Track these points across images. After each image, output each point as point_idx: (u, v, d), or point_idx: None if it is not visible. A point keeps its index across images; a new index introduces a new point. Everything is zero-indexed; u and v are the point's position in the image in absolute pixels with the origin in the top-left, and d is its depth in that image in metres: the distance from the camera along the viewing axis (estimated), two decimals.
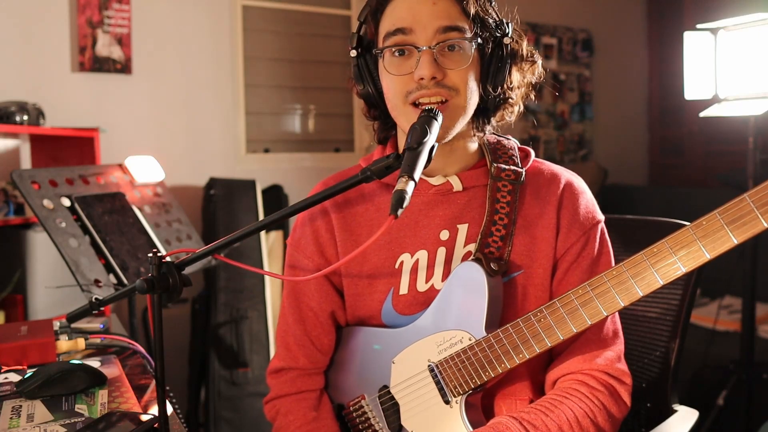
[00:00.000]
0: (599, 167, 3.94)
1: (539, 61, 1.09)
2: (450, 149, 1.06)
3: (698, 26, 2.32)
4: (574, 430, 0.96)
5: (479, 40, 1.00)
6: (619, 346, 1.05)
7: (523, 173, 1.07)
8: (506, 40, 1.03)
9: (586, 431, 0.97)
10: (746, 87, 2.24)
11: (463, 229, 1.06)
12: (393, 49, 0.99)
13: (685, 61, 2.39)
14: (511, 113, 1.10)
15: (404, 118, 1.02)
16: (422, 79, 0.96)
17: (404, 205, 0.78)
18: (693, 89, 2.39)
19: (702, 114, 2.31)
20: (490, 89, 1.03)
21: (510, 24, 1.04)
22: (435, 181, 1.07)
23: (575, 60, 4.21)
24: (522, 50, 1.06)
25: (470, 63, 0.99)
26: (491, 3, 1.04)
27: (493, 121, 1.10)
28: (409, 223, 1.08)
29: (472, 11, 0.99)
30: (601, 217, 1.09)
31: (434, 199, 1.07)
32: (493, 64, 1.03)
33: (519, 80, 1.07)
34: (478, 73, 1.02)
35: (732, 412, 2.31)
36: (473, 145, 1.10)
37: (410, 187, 0.79)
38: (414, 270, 1.07)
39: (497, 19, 1.03)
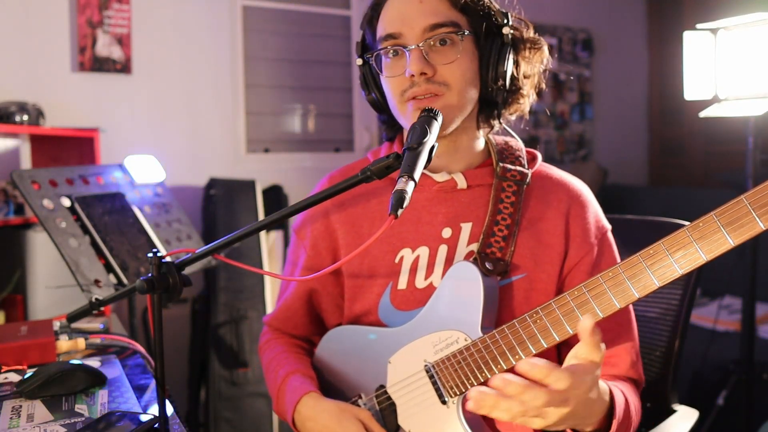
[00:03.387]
0: (599, 167, 3.94)
1: (545, 47, 1.07)
2: (454, 147, 1.07)
3: (698, 26, 2.31)
4: (630, 408, 0.97)
5: (467, 32, 0.99)
6: (637, 349, 1.08)
7: (529, 175, 1.07)
8: (505, 30, 1.01)
9: (632, 415, 0.97)
10: (746, 87, 2.23)
11: (466, 228, 1.05)
12: (388, 52, 1.01)
13: (684, 61, 2.38)
14: (523, 104, 1.09)
15: (403, 118, 1.04)
16: (413, 76, 0.97)
17: (404, 205, 0.78)
18: (693, 89, 2.39)
19: (702, 114, 2.30)
20: (491, 81, 1.02)
21: (510, 13, 1.03)
22: (439, 177, 1.07)
23: (575, 60, 4.21)
24: (524, 37, 1.05)
25: (461, 56, 0.99)
26: None
27: (507, 114, 1.09)
28: (411, 218, 1.08)
29: (461, 2, 0.99)
30: (608, 225, 1.10)
31: (437, 196, 1.07)
32: (492, 55, 1.01)
33: (526, 69, 1.06)
34: (475, 66, 1.02)
35: (732, 412, 2.30)
36: (479, 144, 1.10)
37: (410, 187, 0.80)
38: (414, 266, 1.07)
39: (494, 8, 1.02)
